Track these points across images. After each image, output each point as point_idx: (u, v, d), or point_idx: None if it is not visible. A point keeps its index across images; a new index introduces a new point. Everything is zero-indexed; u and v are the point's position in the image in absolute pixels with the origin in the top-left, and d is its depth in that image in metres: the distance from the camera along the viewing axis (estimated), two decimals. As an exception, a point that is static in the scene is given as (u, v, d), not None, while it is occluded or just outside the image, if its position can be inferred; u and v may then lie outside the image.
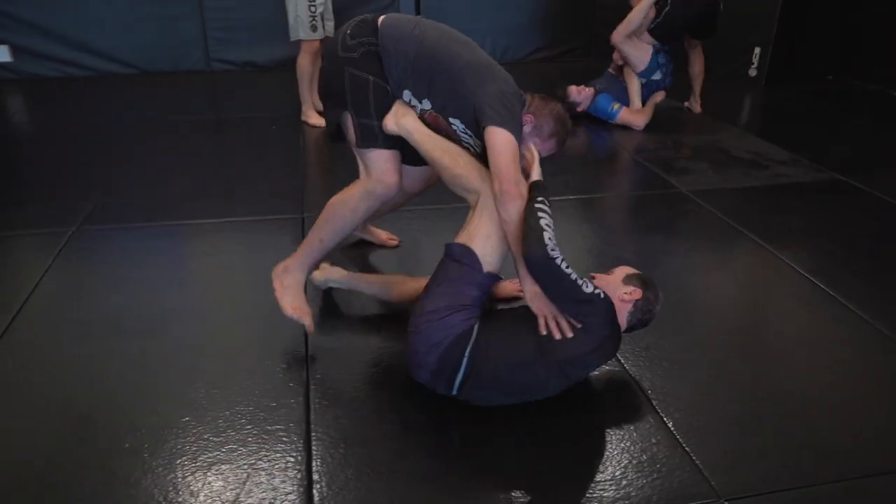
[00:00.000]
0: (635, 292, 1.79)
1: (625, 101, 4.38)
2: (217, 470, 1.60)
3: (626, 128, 4.29)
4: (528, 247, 1.66)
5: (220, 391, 1.87)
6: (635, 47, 4.22)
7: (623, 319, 1.79)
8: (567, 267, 1.68)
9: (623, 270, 1.87)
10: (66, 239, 2.68)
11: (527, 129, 1.95)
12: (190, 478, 1.58)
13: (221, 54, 5.64)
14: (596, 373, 1.92)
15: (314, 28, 4.04)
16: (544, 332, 1.71)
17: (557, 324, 1.72)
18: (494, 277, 1.85)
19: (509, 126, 1.81)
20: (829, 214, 3.10)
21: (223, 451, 1.65)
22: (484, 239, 1.81)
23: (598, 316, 1.73)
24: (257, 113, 4.60)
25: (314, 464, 1.63)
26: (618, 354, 1.95)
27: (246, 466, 1.61)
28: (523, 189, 1.77)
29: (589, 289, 1.72)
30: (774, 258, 2.65)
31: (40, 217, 2.88)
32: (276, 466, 1.61)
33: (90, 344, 2.06)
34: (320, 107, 4.39)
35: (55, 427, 1.73)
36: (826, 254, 2.70)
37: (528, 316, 1.77)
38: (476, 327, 1.73)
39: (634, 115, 4.34)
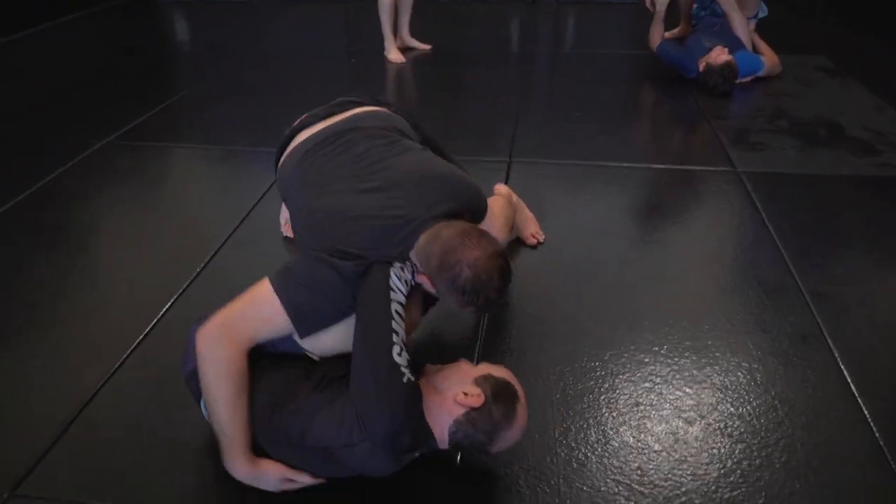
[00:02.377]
0: (474, 398, 1.29)
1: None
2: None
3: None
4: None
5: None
6: None
7: (443, 430, 1.31)
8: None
9: (490, 369, 1.38)
10: (89, 151, 2.99)
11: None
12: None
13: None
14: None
15: (390, -38, 3.93)
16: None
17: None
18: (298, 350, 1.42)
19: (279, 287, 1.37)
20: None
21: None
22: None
23: (379, 401, 1.26)
24: (352, 45, 4.68)
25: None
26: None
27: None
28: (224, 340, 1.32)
29: (399, 360, 1.29)
30: (781, 274, 2.12)
31: (94, 126, 3.23)
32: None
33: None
34: (402, 44, 4.36)
35: None
36: (850, 281, 2.09)
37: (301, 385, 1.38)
38: None
39: (772, 60, 3.73)
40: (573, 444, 1.53)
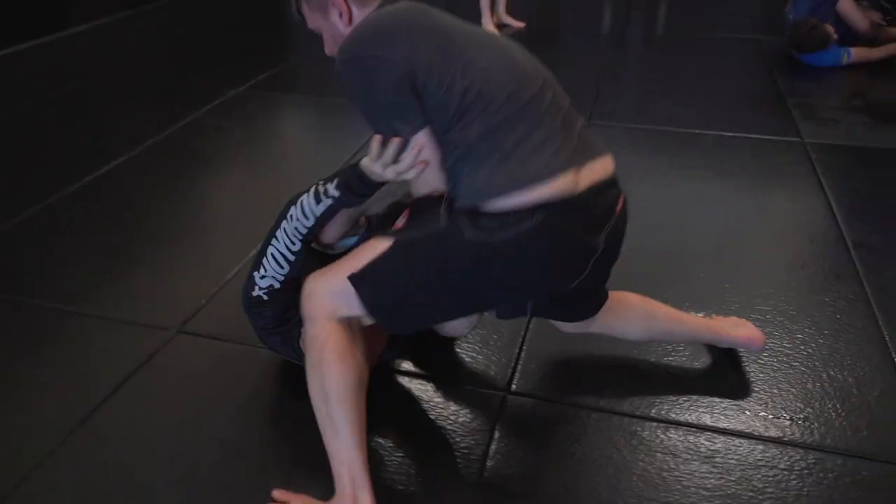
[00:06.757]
0: None
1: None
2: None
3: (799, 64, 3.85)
4: None
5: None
6: None
7: None
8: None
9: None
10: (227, 96, 3.50)
11: None
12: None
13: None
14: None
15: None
16: None
17: None
18: None
19: None
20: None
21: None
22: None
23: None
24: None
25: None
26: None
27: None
28: None
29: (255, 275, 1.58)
30: (828, 225, 2.33)
31: (226, 79, 3.74)
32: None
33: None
34: (498, 21, 4.69)
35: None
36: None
37: None
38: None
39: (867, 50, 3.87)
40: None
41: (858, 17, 3.87)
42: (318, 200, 1.49)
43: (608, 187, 1.30)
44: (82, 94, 3.60)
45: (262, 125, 3.22)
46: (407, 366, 1.73)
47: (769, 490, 1.38)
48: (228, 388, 1.68)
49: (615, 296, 1.61)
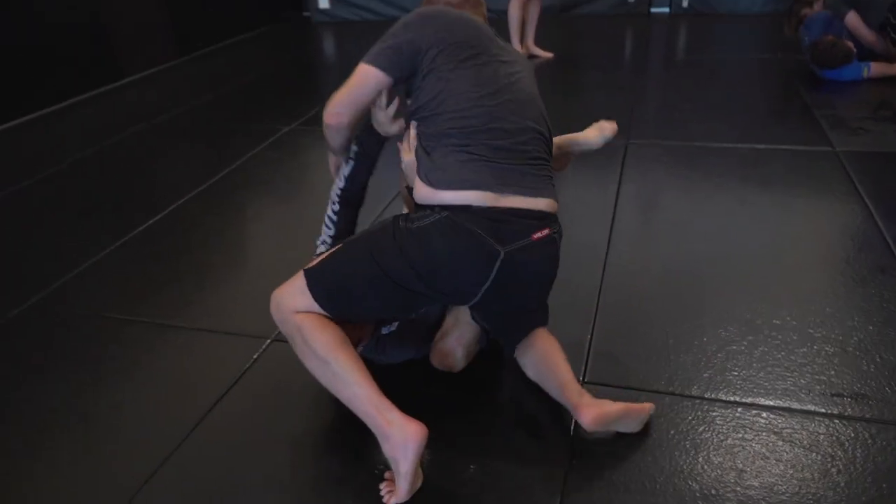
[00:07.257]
0: None
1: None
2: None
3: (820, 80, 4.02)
4: None
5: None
6: None
7: None
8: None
9: None
10: (280, 133, 3.73)
11: None
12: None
13: None
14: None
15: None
16: None
17: None
18: None
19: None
20: None
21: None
22: None
23: None
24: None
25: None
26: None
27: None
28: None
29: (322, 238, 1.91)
30: (867, 225, 2.46)
31: (279, 117, 4.00)
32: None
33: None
34: (527, 52, 4.92)
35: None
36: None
37: None
38: None
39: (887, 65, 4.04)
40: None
41: (865, 31, 4.03)
42: (346, 162, 1.80)
43: (531, 217, 1.53)
44: (147, 137, 3.86)
45: (316, 157, 3.44)
46: (478, 366, 1.88)
47: (839, 455, 1.50)
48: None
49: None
